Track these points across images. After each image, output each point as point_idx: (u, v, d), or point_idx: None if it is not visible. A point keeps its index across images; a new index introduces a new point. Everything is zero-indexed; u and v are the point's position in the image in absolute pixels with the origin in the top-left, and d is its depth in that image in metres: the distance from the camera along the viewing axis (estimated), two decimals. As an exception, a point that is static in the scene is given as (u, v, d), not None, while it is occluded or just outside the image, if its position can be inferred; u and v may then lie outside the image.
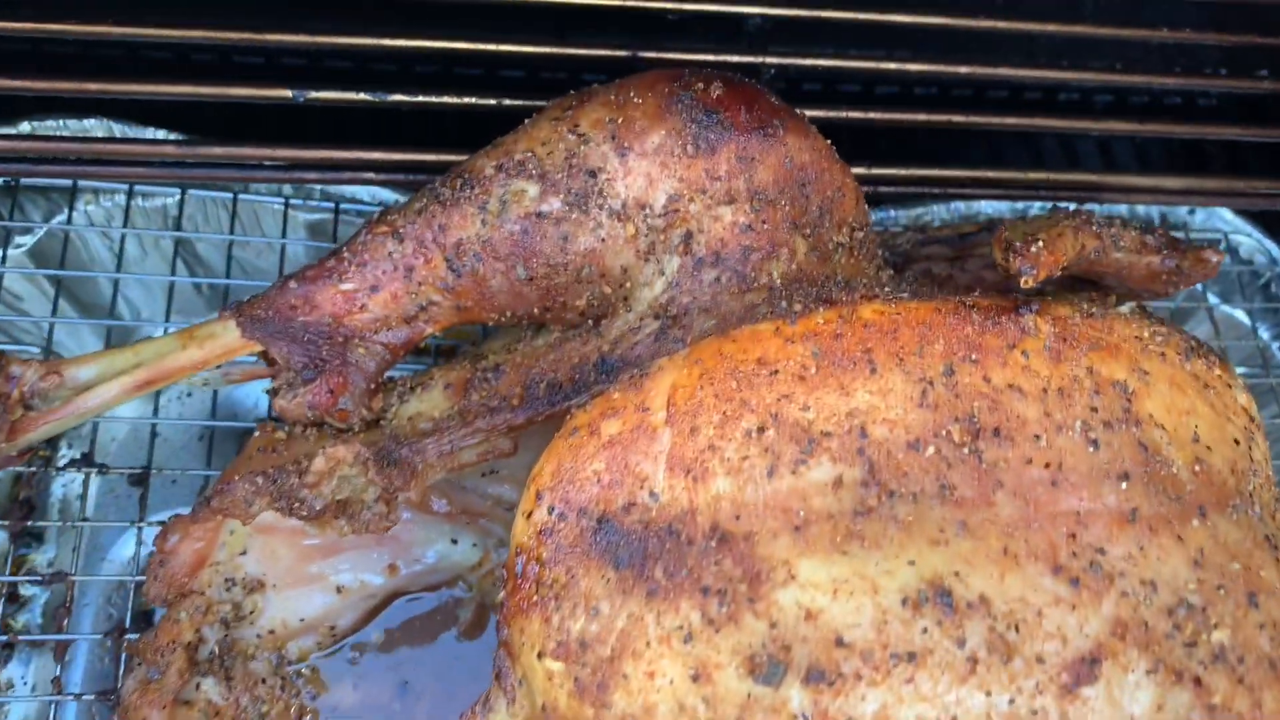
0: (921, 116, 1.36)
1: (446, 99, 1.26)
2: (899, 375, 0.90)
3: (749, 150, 1.06)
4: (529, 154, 1.07)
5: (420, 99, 1.25)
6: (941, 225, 1.43)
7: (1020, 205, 1.58)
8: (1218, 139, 1.72)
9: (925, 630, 0.82)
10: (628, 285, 1.08)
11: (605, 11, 1.33)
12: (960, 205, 1.58)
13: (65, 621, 1.25)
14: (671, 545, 0.85)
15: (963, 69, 1.39)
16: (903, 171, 1.34)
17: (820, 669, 0.81)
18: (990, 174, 1.36)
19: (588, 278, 1.08)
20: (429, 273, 1.08)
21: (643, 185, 1.06)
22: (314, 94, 1.23)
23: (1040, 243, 0.98)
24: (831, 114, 1.34)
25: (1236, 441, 0.95)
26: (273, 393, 1.11)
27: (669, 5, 1.33)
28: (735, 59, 1.34)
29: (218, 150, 1.21)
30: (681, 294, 1.07)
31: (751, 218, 1.06)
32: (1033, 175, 1.37)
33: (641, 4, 1.33)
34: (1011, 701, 0.82)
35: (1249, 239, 1.66)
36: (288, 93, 1.23)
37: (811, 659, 0.81)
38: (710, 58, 1.33)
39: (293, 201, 1.44)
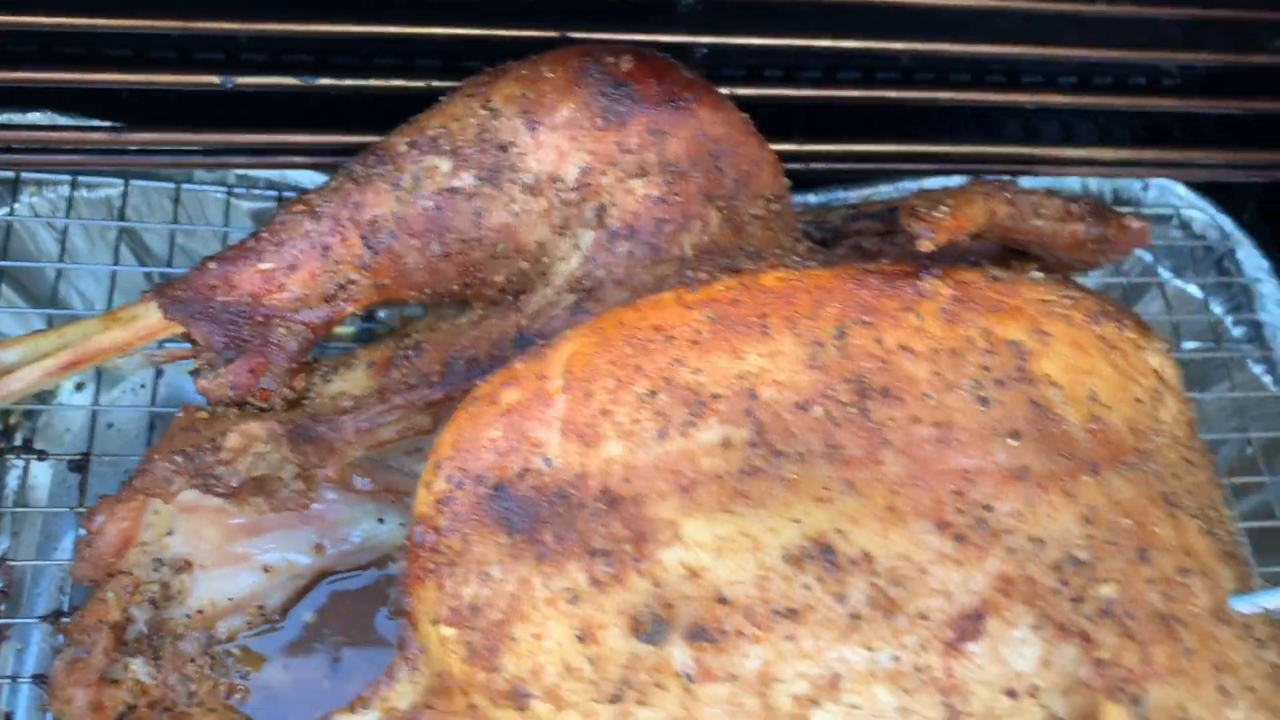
0: (853, 93, 1.36)
1: (372, 82, 1.26)
2: (790, 338, 0.90)
3: (660, 123, 1.07)
4: (442, 130, 1.08)
5: (347, 82, 1.26)
6: (875, 201, 1.43)
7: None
8: (1159, 110, 1.71)
9: (807, 587, 0.82)
10: (545, 260, 1.09)
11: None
12: (911, 185, 1.57)
13: (2, 608, 1.26)
14: (562, 509, 0.86)
15: (896, 45, 1.39)
16: (830, 147, 1.34)
17: (702, 626, 0.81)
18: (920, 148, 1.36)
19: (503, 253, 1.08)
20: (346, 251, 1.09)
21: (554, 159, 1.06)
22: (241, 79, 1.24)
23: (945, 207, 0.98)
24: (766, 92, 1.35)
25: (1139, 401, 0.94)
26: (195, 373, 1.11)
27: (601, -14, 1.33)
28: (666, 39, 1.34)
29: (145, 135, 1.22)
30: (596, 267, 1.07)
31: (663, 190, 1.07)
32: (965, 149, 1.37)
33: (573, -15, 1.33)
34: (895, 658, 0.82)
35: (1202, 214, 1.65)
36: (215, 79, 1.24)
37: (694, 617, 0.82)
38: (641, 37, 1.32)
39: (236, 190, 1.45)
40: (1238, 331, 1.62)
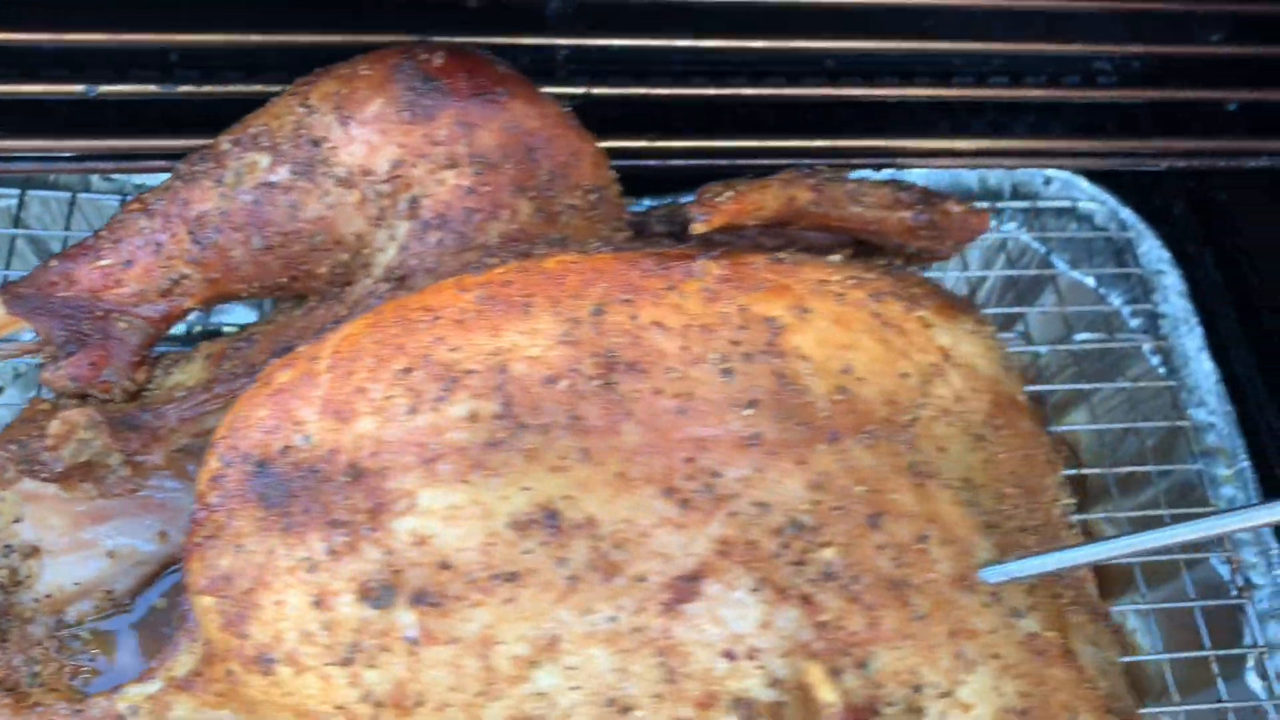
0: (710, 91, 1.39)
1: (234, 88, 1.31)
2: (549, 316, 0.92)
3: (469, 116, 1.10)
4: (263, 128, 1.12)
5: (206, 89, 1.31)
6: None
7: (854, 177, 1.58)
8: (1091, 103, 1.72)
9: (529, 551, 0.84)
10: (365, 252, 1.12)
11: (404, -1, 1.38)
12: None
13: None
14: (312, 483, 0.89)
15: (756, 43, 1.41)
16: (666, 143, 1.36)
17: (427, 592, 0.84)
18: (780, 143, 1.37)
19: (322, 245, 1.12)
20: (176, 247, 1.13)
21: (364, 152, 1.10)
22: (105, 88, 1.29)
23: (731, 192, 1.01)
24: (623, 91, 1.38)
25: (905, 375, 0.95)
26: (42, 367, 1.16)
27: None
28: (527, 41, 1.38)
29: (6, 144, 1.27)
30: (410, 257, 1.10)
31: (474, 180, 1.10)
32: (820, 143, 1.38)
33: (439, -10, 1.37)
34: (612, 619, 0.83)
35: (1102, 206, 1.65)
36: (80, 87, 1.29)
37: (420, 582, 0.84)
38: (499, 40, 1.36)
39: (129, 199, 1.50)
40: (1135, 323, 1.61)
